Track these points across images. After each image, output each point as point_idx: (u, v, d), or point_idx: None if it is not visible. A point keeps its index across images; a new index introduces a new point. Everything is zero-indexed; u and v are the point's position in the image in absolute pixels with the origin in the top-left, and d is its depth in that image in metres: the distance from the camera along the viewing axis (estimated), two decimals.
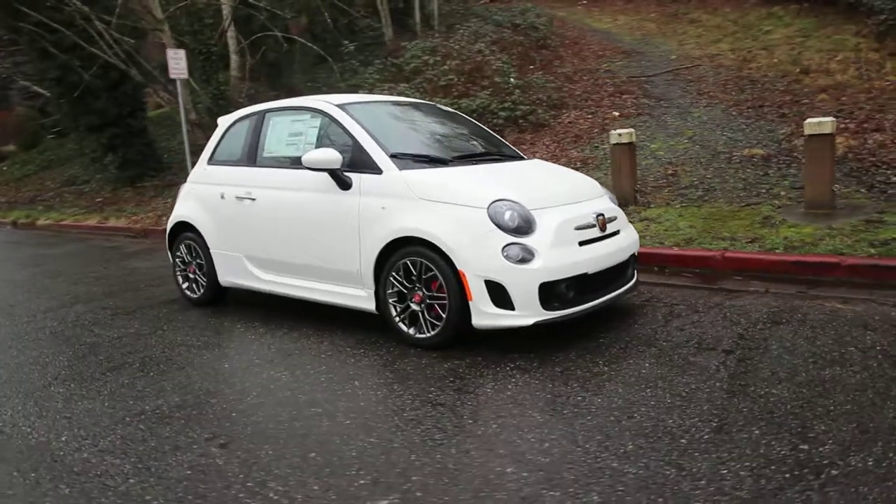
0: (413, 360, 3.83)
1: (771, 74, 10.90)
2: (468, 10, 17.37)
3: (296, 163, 4.65)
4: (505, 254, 3.68)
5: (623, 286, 4.28)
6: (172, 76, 10.12)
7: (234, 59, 14.03)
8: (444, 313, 3.86)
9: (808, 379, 3.20)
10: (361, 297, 4.29)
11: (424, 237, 3.86)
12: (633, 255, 4.41)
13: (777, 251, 5.25)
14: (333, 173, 4.25)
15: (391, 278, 4.06)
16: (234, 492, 2.53)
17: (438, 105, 5.83)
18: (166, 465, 2.78)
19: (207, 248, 5.25)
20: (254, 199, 4.82)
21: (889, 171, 6.81)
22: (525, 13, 15.63)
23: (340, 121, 4.42)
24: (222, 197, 5.08)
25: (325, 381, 3.62)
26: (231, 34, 13.73)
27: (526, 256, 3.69)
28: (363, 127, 4.34)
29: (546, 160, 6.46)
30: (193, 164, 10.93)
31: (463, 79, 11.63)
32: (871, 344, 3.59)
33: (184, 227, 5.48)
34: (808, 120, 5.97)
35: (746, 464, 2.48)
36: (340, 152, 4.23)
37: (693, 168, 7.99)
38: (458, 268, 3.75)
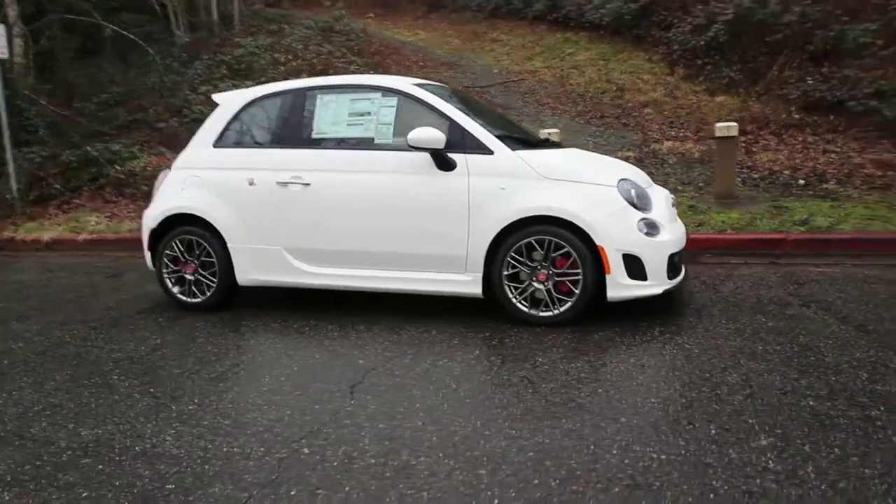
0: (556, 336, 3.85)
1: (592, 90, 12.41)
2: (259, 13, 16.74)
3: (365, 143, 4.34)
4: (639, 228, 3.92)
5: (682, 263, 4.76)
6: None
7: (17, 42, 11.78)
8: (576, 289, 3.96)
9: None
10: (464, 282, 4.16)
11: (560, 215, 3.92)
12: None
13: (728, 232, 6.19)
14: (437, 154, 4.08)
15: (509, 259, 4.03)
16: (603, 463, 2.43)
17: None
18: (515, 450, 2.54)
19: (223, 243, 4.57)
20: (307, 184, 4.35)
21: (747, 170, 8.31)
22: (340, 19, 15.60)
23: (428, 101, 4.24)
24: (251, 183, 4.48)
25: (500, 363, 3.50)
26: (14, 13, 11.54)
27: (651, 231, 3.98)
28: (456, 107, 4.23)
29: None
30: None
31: None
32: (894, 292, 4.53)
33: (179, 221, 4.69)
34: (718, 124, 7.10)
35: None
36: None
37: None
38: (598, 243, 3.89)
